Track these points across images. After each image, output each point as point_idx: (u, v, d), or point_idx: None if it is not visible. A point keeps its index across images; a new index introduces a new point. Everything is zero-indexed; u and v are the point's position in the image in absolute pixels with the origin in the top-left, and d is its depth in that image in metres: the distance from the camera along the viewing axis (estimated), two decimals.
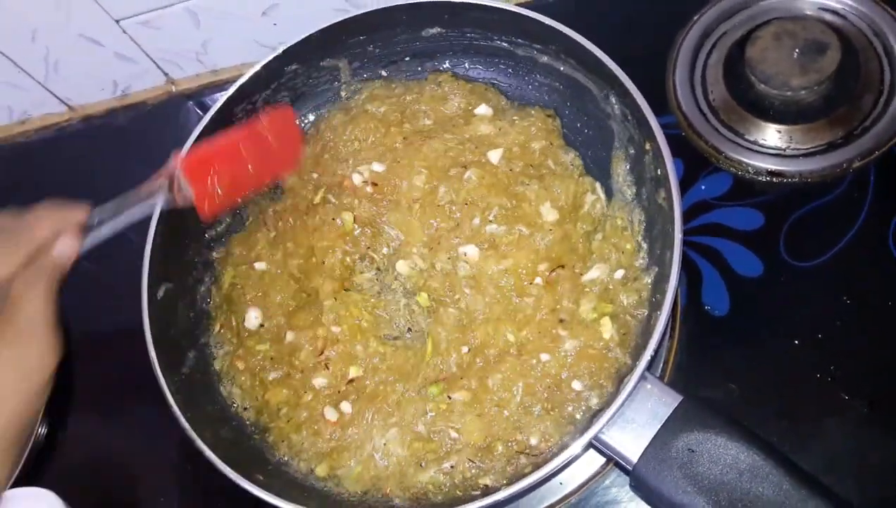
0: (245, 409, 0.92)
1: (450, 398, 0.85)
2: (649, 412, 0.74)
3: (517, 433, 0.83)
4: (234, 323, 0.95)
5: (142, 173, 1.26)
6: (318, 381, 0.89)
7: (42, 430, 1.10)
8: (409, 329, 0.92)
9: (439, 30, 1.01)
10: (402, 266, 0.94)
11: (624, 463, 0.74)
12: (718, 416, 0.72)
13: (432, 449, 0.84)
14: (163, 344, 0.86)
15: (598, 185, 0.96)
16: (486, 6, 0.96)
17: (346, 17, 0.99)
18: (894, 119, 0.98)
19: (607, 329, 0.85)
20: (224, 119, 0.99)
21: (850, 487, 0.82)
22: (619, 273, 0.89)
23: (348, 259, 0.95)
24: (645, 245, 0.90)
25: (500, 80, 1.05)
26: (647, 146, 0.88)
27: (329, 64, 1.05)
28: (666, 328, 0.77)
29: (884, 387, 0.88)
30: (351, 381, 0.89)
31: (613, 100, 0.92)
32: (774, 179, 1.00)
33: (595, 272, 0.89)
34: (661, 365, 0.93)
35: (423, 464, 0.84)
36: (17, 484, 1.04)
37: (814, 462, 0.73)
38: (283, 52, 0.99)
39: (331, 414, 0.87)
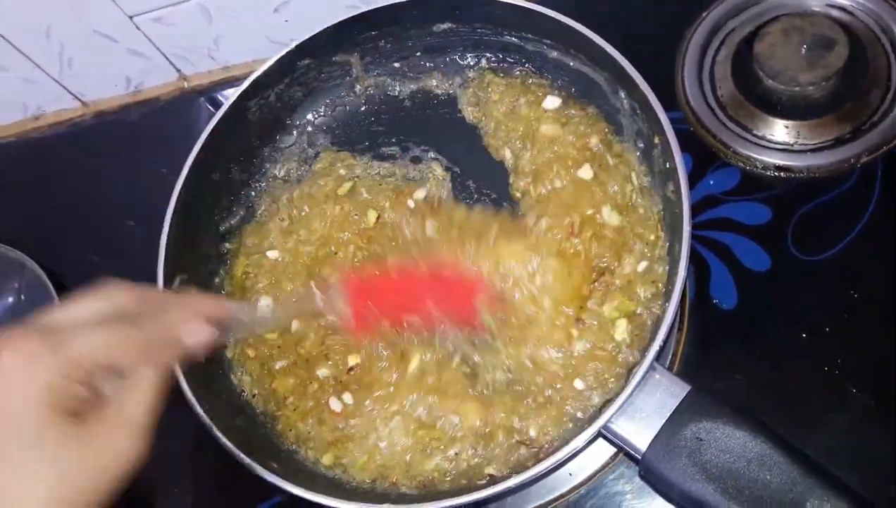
0: (254, 396, 0.93)
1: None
2: (658, 402, 0.74)
3: (517, 420, 0.84)
4: None
5: (153, 168, 1.29)
6: (322, 371, 0.90)
7: None
8: None
9: (450, 25, 1.02)
10: None
11: (633, 452, 0.75)
12: (726, 405, 0.73)
13: (436, 437, 0.85)
14: None
15: (633, 174, 0.95)
16: (496, 1, 0.96)
17: (358, 12, 1.00)
18: None
19: (621, 331, 0.86)
20: (237, 114, 1.00)
21: (856, 480, 0.82)
22: (643, 265, 0.89)
23: (360, 255, 0.96)
24: (663, 234, 0.90)
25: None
26: (656, 140, 0.89)
27: (341, 59, 1.06)
28: (674, 321, 0.78)
29: (890, 381, 0.88)
30: (351, 370, 0.90)
31: (622, 95, 0.93)
32: (782, 174, 1.01)
33: (625, 268, 0.89)
34: (670, 358, 0.94)
35: (428, 451, 0.85)
36: None
37: (820, 454, 0.73)
38: (296, 47, 1.00)
39: (335, 405, 0.88)
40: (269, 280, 0.96)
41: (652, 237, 0.91)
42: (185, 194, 0.93)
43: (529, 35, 0.99)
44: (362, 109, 1.09)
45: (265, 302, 0.96)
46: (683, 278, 0.78)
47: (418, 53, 1.06)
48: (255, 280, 0.97)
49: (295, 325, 0.93)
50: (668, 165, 0.86)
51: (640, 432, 0.74)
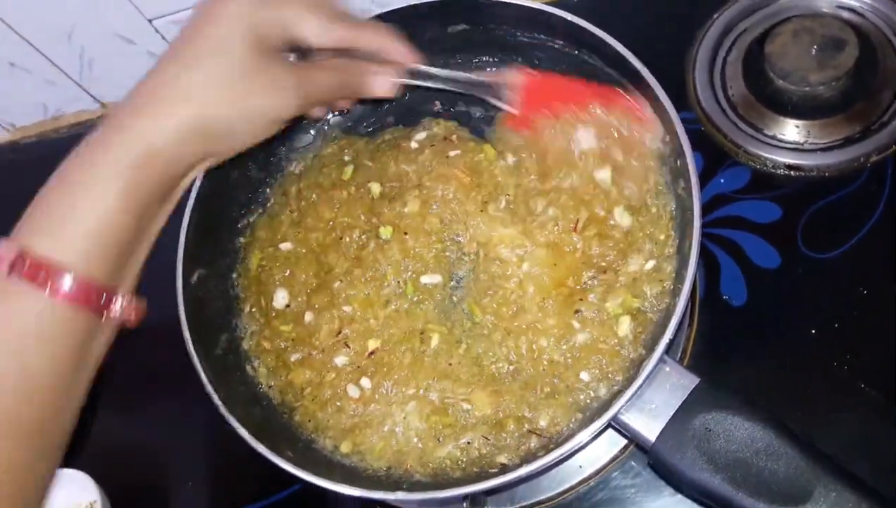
0: (270, 387, 0.94)
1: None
2: (667, 394, 0.75)
3: (526, 410, 0.85)
4: (263, 304, 0.97)
5: None
6: (340, 359, 0.91)
7: None
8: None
9: (464, 27, 1.03)
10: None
11: (642, 443, 0.76)
12: (735, 397, 0.74)
13: (448, 423, 0.86)
14: (196, 327, 0.88)
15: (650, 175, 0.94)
16: (510, 4, 0.97)
17: (371, 15, 1.02)
18: None
19: (624, 327, 0.86)
20: None
21: (866, 476, 0.83)
22: (651, 264, 0.89)
23: (364, 237, 0.97)
24: (674, 234, 0.90)
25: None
26: (667, 140, 0.90)
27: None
28: (684, 315, 0.79)
29: None
30: (372, 353, 0.91)
31: (637, 93, 0.94)
32: (793, 173, 1.02)
33: (631, 266, 0.89)
34: (680, 354, 0.95)
35: (440, 439, 0.85)
36: None
37: (829, 450, 0.74)
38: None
39: (353, 391, 0.89)
40: (284, 272, 0.98)
41: (662, 237, 0.91)
42: (203, 191, 0.95)
43: (543, 36, 1.00)
44: (380, 108, 1.10)
45: (281, 294, 0.97)
46: (693, 273, 0.79)
47: (433, 55, 1.07)
48: (270, 273, 0.98)
49: (309, 317, 0.94)
50: (678, 164, 0.87)
51: (649, 423, 0.75)
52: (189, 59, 0.69)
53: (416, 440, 0.86)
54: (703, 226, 0.81)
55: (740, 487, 0.70)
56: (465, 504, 0.86)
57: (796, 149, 1.02)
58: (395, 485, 0.84)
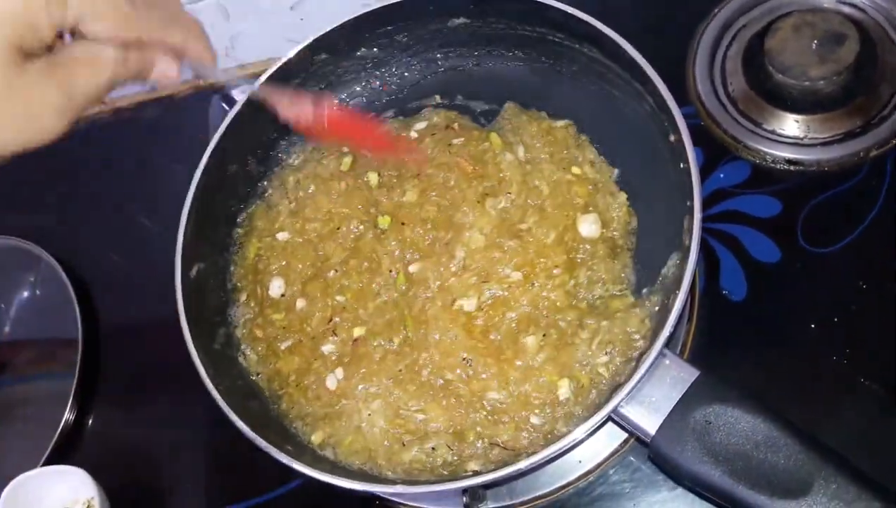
0: (258, 375, 0.93)
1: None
2: (667, 387, 0.75)
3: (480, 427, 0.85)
4: (258, 293, 0.97)
5: (168, 164, 1.31)
6: (327, 347, 0.91)
7: (70, 416, 1.13)
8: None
9: (465, 20, 1.03)
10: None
11: (642, 436, 0.76)
12: (734, 389, 0.74)
13: (409, 430, 0.86)
14: (195, 321, 0.88)
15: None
16: None
17: (373, 8, 1.02)
18: None
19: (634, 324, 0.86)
20: (255, 107, 1.01)
21: (866, 469, 0.83)
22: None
23: (362, 227, 0.97)
24: None
25: (525, 72, 1.07)
26: (672, 138, 0.89)
27: (357, 54, 1.07)
28: (684, 309, 0.79)
29: None
30: (356, 341, 0.91)
31: (637, 87, 0.94)
32: (792, 168, 1.02)
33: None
34: (679, 348, 0.95)
35: (404, 443, 0.85)
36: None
37: (830, 444, 0.74)
38: (313, 41, 1.01)
39: (331, 382, 0.89)
40: (281, 262, 0.97)
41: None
42: (203, 183, 0.95)
43: (544, 30, 1.00)
44: (378, 102, 1.10)
45: (277, 283, 0.97)
46: (693, 266, 0.79)
47: (434, 48, 1.08)
48: (268, 262, 0.98)
49: (301, 304, 0.94)
50: (680, 164, 0.87)
51: (649, 416, 0.75)
52: None
53: (382, 438, 0.86)
54: (703, 220, 0.81)
55: (740, 480, 0.70)
56: (464, 498, 0.86)
57: (796, 143, 1.02)
58: (392, 480, 0.84)
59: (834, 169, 1.00)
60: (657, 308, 0.85)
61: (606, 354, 0.84)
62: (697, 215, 0.80)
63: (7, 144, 0.59)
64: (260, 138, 1.05)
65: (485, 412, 0.84)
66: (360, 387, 0.88)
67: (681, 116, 0.85)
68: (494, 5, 1.00)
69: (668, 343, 0.77)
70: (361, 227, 0.96)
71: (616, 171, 0.96)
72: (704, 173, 1.03)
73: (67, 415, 1.12)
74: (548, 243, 0.90)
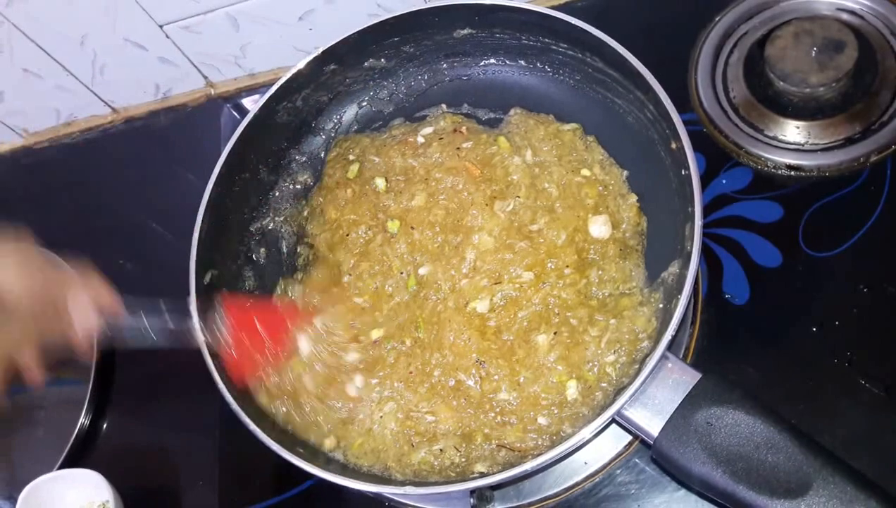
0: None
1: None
2: (670, 389, 0.77)
3: (487, 428, 0.86)
4: None
5: (180, 173, 1.32)
6: (351, 356, 0.93)
7: (86, 420, 1.15)
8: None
9: (470, 31, 1.05)
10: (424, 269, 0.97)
11: (645, 438, 0.77)
12: (736, 391, 0.76)
13: (419, 431, 0.88)
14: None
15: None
16: (515, 7, 0.99)
17: (380, 19, 1.04)
18: None
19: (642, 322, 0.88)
20: (266, 117, 1.04)
21: (866, 470, 0.84)
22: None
23: (370, 233, 0.99)
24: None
25: (529, 81, 1.09)
26: (674, 146, 0.91)
27: (365, 64, 1.09)
28: (686, 312, 0.80)
29: None
30: (374, 343, 0.93)
31: (639, 95, 0.95)
32: (793, 173, 1.03)
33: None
34: (683, 351, 0.97)
35: (413, 444, 0.87)
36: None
37: (830, 446, 0.75)
38: (322, 52, 1.04)
39: (352, 390, 0.91)
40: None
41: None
42: (216, 192, 0.97)
43: (547, 40, 1.02)
44: (385, 110, 1.12)
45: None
46: (695, 270, 0.80)
47: (440, 58, 1.09)
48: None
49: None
50: (683, 172, 0.88)
51: (652, 418, 0.76)
52: None
53: (392, 440, 0.88)
54: (706, 226, 0.83)
55: (741, 480, 0.72)
56: (471, 500, 0.88)
57: (797, 149, 1.03)
58: (401, 481, 0.85)
59: (834, 174, 1.01)
60: (661, 305, 0.87)
61: (614, 353, 0.86)
62: (698, 221, 0.81)
63: None
64: (271, 147, 1.07)
65: (494, 414, 0.86)
66: (375, 391, 0.90)
67: (682, 123, 0.87)
68: (499, 16, 1.01)
69: (671, 347, 0.79)
70: (370, 232, 0.98)
71: (625, 172, 0.98)
72: (707, 179, 1.05)
73: (83, 420, 1.15)
74: (559, 243, 0.92)
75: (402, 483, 0.85)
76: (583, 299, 0.90)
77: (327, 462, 0.89)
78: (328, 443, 0.90)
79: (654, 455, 0.77)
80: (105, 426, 1.18)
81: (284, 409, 0.91)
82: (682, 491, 0.90)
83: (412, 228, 0.96)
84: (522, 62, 1.07)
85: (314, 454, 0.89)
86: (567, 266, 0.91)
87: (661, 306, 0.87)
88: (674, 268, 0.89)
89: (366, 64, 1.09)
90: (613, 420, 0.78)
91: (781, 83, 1.06)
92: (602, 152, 0.99)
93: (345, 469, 0.88)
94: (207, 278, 0.95)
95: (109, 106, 1.42)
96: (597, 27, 0.95)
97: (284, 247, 1.05)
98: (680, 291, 0.80)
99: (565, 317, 0.88)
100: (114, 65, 1.32)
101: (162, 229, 1.31)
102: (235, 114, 1.35)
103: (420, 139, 1.03)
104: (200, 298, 0.92)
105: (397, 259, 0.95)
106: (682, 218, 0.87)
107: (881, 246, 0.97)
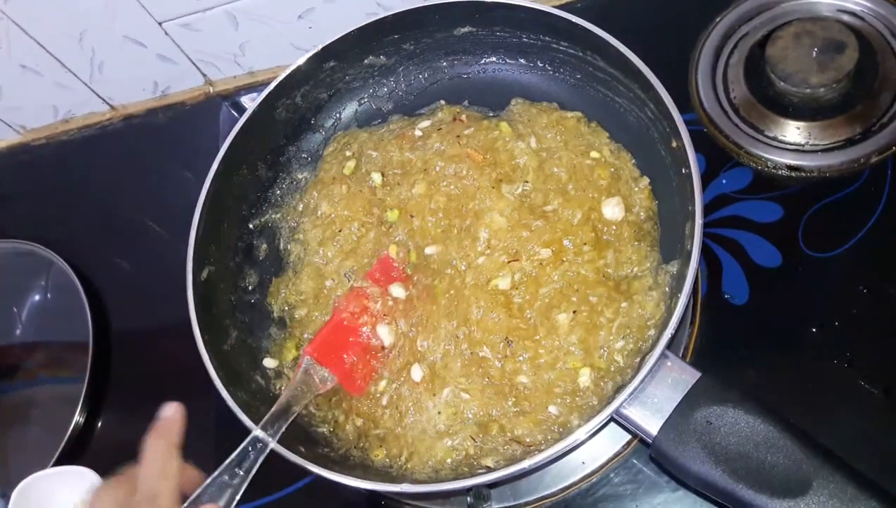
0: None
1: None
2: (669, 388, 0.77)
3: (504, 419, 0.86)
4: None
5: (178, 171, 1.32)
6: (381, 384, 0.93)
7: (81, 418, 1.15)
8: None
9: (470, 28, 1.04)
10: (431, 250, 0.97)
11: (644, 436, 0.77)
12: (735, 391, 0.75)
13: (457, 412, 0.87)
14: (205, 322, 0.90)
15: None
16: (516, 6, 0.99)
17: (380, 17, 1.04)
18: None
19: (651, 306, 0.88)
20: (265, 113, 1.03)
21: (866, 471, 0.84)
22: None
23: (363, 229, 0.99)
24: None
25: (529, 79, 1.08)
26: (674, 144, 0.90)
27: (364, 61, 1.09)
28: (686, 311, 0.80)
29: None
30: (383, 349, 0.92)
31: (640, 95, 0.95)
32: (794, 174, 1.03)
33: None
34: (682, 351, 0.96)
35: (442, 431, 0.87)
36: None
37: (829, 446, 0.75)
38: (322, 49, 1.03)
39: (384, 400, 0.91)
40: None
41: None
42: (213, 189, 0.96)
43: (547, 38, 1.02)
44: (385, 108, 1.12)
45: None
46: (695, 269, 0.80)
47: (439, 56, 1.09)
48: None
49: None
50: (679, 156, 0.88)
51: (651, 416, 0.76)
52: None
53: (416, 432, 0.88)
54: (706, 226, 0.83)
55: (741, 479, 0.71)
56: (469, 498, 0.87)
57: (797, 150, 1.03)
58: (399, 479, 0.85)
59: (835, 175, 1.01)
60: (668, 289, 0.87)
61: (623, 338, 0.86)
62: (699, 220, 0.81)
63: None
64: (270, 144, 1.07)
65: (512, 400, 0.86)
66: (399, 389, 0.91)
67: (682, 122, 0.87)
68: (499, 14, 1.01)
69: (671, 346, 0.78)
70: (363, 229, 0.98)
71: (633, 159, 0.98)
72: (707, 179, 1.05)
73: (78, 417, 1.14)
74: (574, 222, 0.92)
75: (399, 481, 0.84)
76: (601, 278, 0.90)
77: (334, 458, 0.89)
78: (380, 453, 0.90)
79: (653, 454, 0.77)
80: (100, 423, 1.17)
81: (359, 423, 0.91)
82: (680, 492, 0.90)
83: (411, 216, 0.96)
84: (523, 60, 1.06)
85: (314, 452, 0.89)
86: (585, 243, 0.91)
87: (667, 289, 0.87)
88: (673, 267, 0.88)
89: (365, 61, 1.08)
90: (612, 419, 0.77)
91: (782, 84, 1.05)
92: (608, 136, 0.99)
93: (359, 467, 0.88)
94: (204, 274, 0.95)
95: (108, 103, 1.42)
96: (597, 26, 0.95)
97: (281, 244, 1.05)
98: (680, 290, 0.80)
99: (585, 295, 0.88)
100: (112, 62, 1.32)
101: (159, 227, 1.31)
102: (234, 112, 1.35)
103: (418, 132, 1.03)
104: (198, 293, 0.91)
105: (394, 245, 0.95)
106: (683, 217, 0.87)
107: (881, 247, 0.97)
